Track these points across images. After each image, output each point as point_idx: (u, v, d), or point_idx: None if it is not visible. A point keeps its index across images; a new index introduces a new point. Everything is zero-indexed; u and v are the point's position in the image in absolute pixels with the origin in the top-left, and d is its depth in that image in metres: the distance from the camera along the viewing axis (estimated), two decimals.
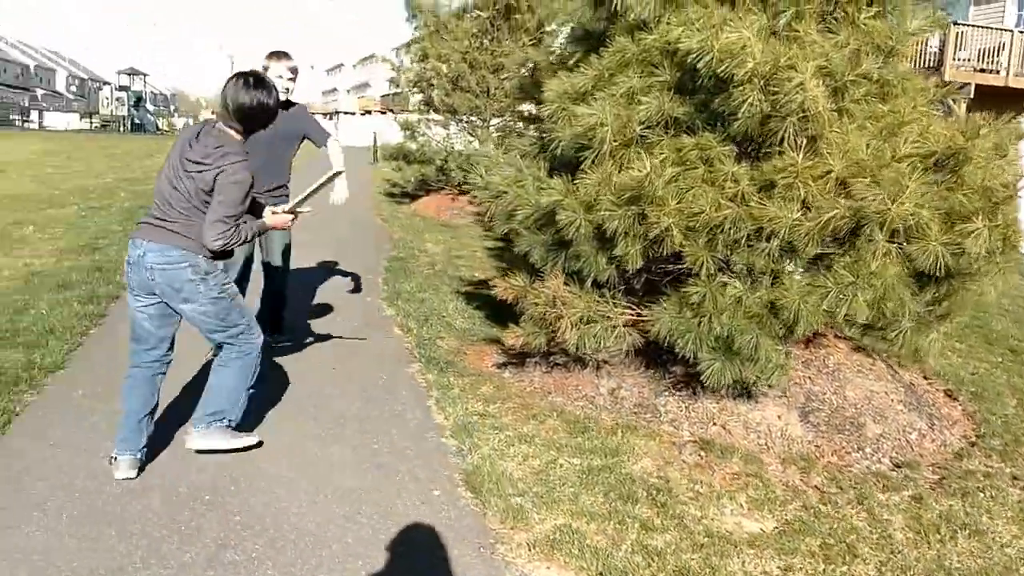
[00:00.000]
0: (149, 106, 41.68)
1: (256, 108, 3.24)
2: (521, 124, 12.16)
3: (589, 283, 4.49)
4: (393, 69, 13.13)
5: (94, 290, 6.43)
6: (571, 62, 5.42)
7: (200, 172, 3.16)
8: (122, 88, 42.53)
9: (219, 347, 3.54)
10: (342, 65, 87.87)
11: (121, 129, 42.42)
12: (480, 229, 11.28)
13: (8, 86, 64.96)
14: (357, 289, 7.07)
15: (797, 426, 4.39)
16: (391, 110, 52.22)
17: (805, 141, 4.02)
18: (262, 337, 3.56)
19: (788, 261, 4.24)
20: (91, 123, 44.93)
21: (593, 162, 4.40)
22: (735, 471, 3.85)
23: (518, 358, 5.32)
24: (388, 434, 3.97)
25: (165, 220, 3.22)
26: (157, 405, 3.48)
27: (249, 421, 3.79)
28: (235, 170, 3.15)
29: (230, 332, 3.41)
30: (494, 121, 12.37)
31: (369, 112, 57.39)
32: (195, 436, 3.52)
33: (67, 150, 23.75)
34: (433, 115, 12.85)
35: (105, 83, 74.68)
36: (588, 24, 5.27)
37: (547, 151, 5.15)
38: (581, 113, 4.33)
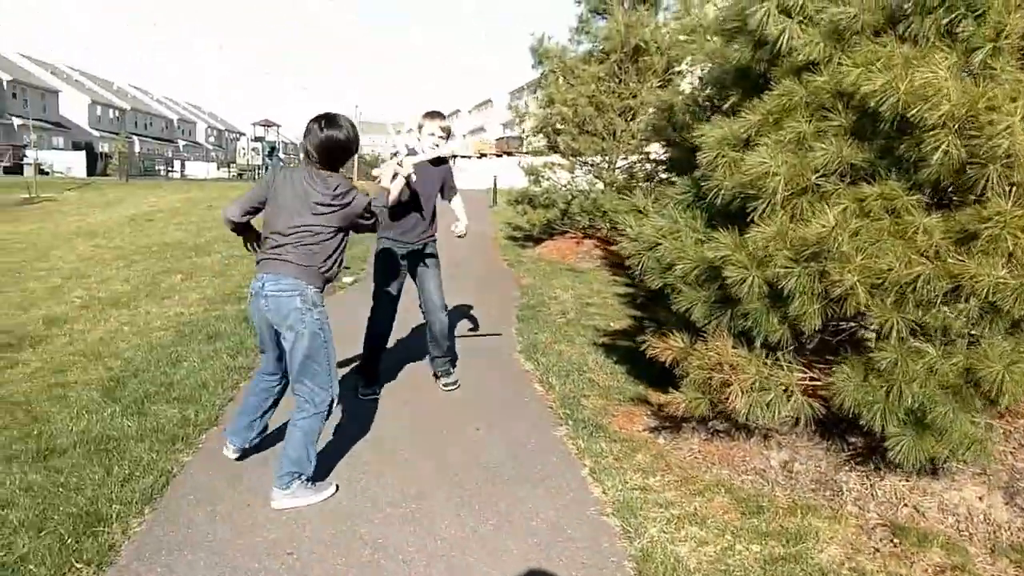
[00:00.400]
0: (281, 155, 43.79)
1: (333, 144, 3.61)
2: (649, 166, 11.90)
3: (758, 344, 4.15)
4: (516, 115, 13.15)
5: (242, 341, 6.56)
6: (726, 106, 5.13)
7: (333, 212, 3.59)
8: (257, 139, 44.94)
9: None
10: (459, 111, 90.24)
11: (256, 177, 44.81)
12: (608, 273, 11.02)
13: (154, 138, 70.14)
14: (491, 336, 6.93)
15: (1002, 509, 3.86)
16: (508, 153, 53.08)
17: (1011, 188, 3.58)
18: (336, 393, 3.76)
19: (989, 323, 3.77)
20: (229, 172, 47.66)
21: (762, 213, 4.10)
22: (937, 562, 3.39)
23: (671, 422, 4.99)
24: (544, 508, 3.72)
25: (281, 253, 3.58)
26: (272, 411, 4.08)
27: (391, 482, 3.65)
28: (359, 201, 3.68)
29: (311, 372, 3.63)
30: (620, 163, 12.14)
31: (484, 155, 58.47)
32: (278, 495, 3.64)
33: (209, 198, 25.13)
34: (556, 158, 12.77)
35: (240, 133, 79.44)
36: (744, 65, 4.97)
37: (702, 200, 4.87)
38: (750, 161, 4.03)
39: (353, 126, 3.74)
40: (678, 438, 4.78)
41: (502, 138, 64.35)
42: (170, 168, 48.91)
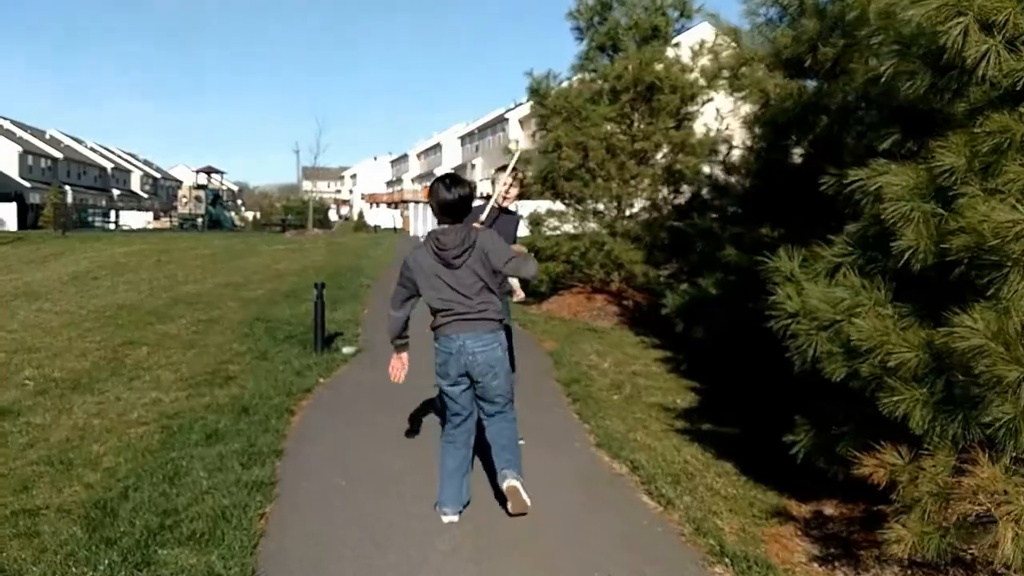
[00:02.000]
0: (226, 202, 42.00)
1: (458, 201, 3.82)
2: (666, 211, 11.01)
3: (1007, 460, 3.11)
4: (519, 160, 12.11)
5: (251, 441, 5.28)
6: (883, 147, 4.16)
7: (471, 257, 3.80)
8: (200, 187, 43.12)
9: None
10: (406, 156, 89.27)
11: (199, 227, 42.82)
12: (631, 333, 9.98)
13: (88, 188, 67.22)
14: (551, 422, 5.79)
15: None
16: (518, 197, 52.11)
17: None
18: None
19: None
20: (170, 221, 45.55)
21: (992, 282, 3.12)
22: None
23: (837, 545, 3.92)
24: None
25: (466, 312, 3.85)
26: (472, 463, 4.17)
27: None
28: (486, 235, 3.91)
29: (509, 394, 4.09)
30: (631, 210, 11.21)
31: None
32: (515, 481, 3.98)
33: (154, 251, 23.46)
34: (559, 205, 11.79)
35: (178, 181, 76.85)
36: (917, 95, 4.02)
37: (873, 264, 3.87)
38: (994, 216, 3.05)
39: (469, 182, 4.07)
40: (857, 570, 3.70)
41: None
42: (106, 219, 46.54)
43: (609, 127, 10.85)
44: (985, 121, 3.46)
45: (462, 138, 71.93)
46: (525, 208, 12.04)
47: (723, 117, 12.36)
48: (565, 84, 11.46)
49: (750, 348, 7.76)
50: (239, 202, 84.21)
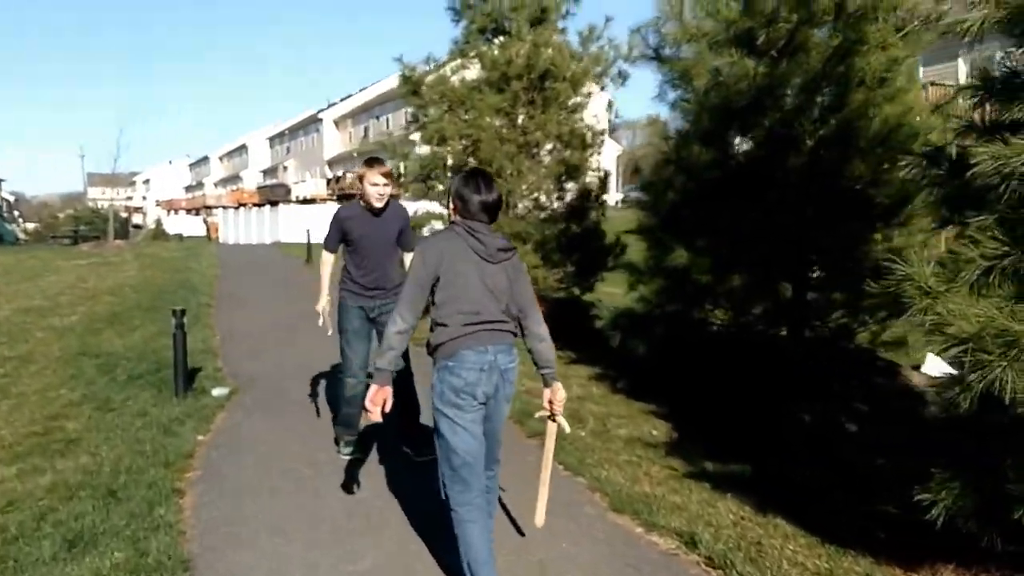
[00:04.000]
0: (3, 213, 36.59)
1: (498, 201, 3.26)
2: (557, 205, 10.08)
3: None
4: (395, 155, 10.64)
5: (138, 547, 3.67)
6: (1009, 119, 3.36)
7: (508, 262, 3.22)
8: None
9: None
10: (207, 159, 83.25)
11: None
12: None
13: None
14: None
15: None
16: (273, 202, 48.94)
17: None
18: None
19: None
20: None
21: None
22: None
23: None
24: None
25: (495, 320, 3.15)
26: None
27: None
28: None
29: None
30: (518, 208, 10.14)
31: (243, 205, 53.62)
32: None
33: None
34: (437, 207, 10.55)
35: None
36: None
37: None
38: None
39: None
40: None
41: (264, 186, 59.68)
42: None
43: (499, 119, 9.73)
44: None
45: (271, 139, 68.00)
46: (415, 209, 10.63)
47: (613, 106, 11.66)
48: (443, 72, 10.18)
49: (700, 363, 6.96)
50: (16, 213, 74.35)
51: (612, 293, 11.79)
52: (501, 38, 10.20)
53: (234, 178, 71.82)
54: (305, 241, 21.85)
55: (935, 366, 7.43)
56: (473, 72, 10.34)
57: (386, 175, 4.68)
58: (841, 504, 4.32)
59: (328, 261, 5.07)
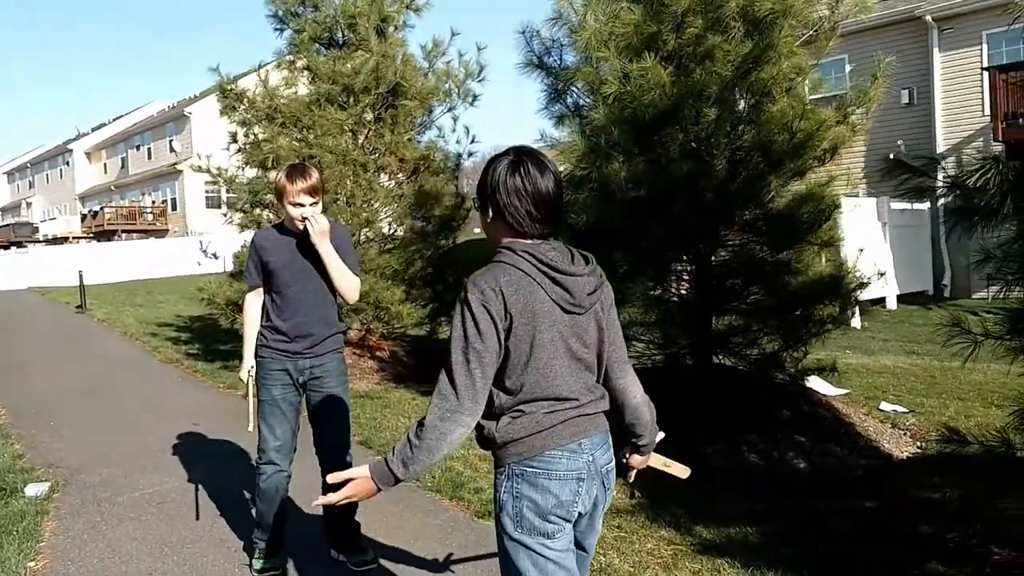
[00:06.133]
0: None
1: (561, 194, 2.15)
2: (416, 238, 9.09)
3: None
4: (215, 178, 9.00)
5: None
6: None
7: (599, 301, 2.16)
8: None
9: None
10: None
11: None
12: (411, 392, 7.89)
13: None
14: None
15: None
16: (18, 243, 42.73)
17: None
18: None
19: None
20: None
21: None
22: None
23: None
24: None
25: (588, 401, 2.16)
26: None
27: None
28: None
29: None
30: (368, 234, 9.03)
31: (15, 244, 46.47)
32: None
33: None
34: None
35: None
36: None
37: None
38: None
39: None
40: None
41: (4, 226, 52.06)
42: None
43: (345, 139, 8.58)
44: None
45: (10, 173, 59.95)
46: (235, 244, 9.09)
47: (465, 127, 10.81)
48: (271, 85, 8.84)
49: None
50: None
51: None
52: (335, 50, 9.11)
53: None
54: (70, 283, 18.92)
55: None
56: (303, 87, 9.14)
57: (312, 191, 3.53)
58: None
59: (251, 304, 3.81)
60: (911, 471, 5.49)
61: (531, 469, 2.07)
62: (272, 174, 8.66)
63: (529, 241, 2.09)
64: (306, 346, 3.65)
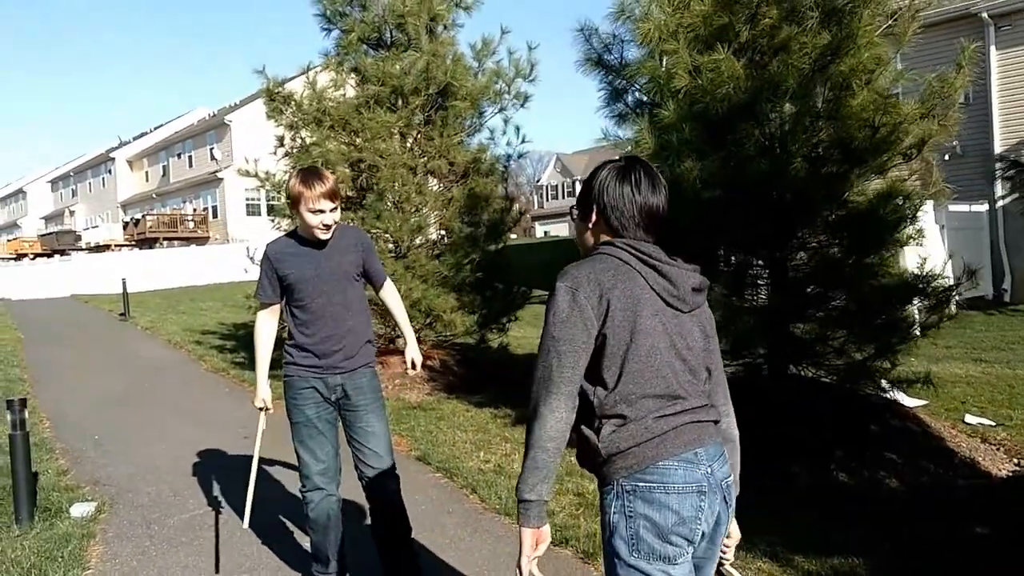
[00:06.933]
0: None
1: (666, 205, 2.07)
2: (466, 243, 8.83)
3: None
4: (262, 182, 8.84)
5: None
6: None
7: (702, 306, 2.09)
8: None
9: None
10: None
11: None
12: (461, 403, 7.62)
13: None
14: None
15: None
16: (61, 251, 43.40)
17: None
18: None
19: None
20: None
21: None
22: None
23: None
24: None
25: (699, 407, 1.97)
26: None
27: None
28: None
29: None
30: (418, 242, 8.81)
31: (24, 255, 47.41)
32: None
33: None
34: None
35: None
36: None
37: None
38: None
39: None
40: None
41: (48, 234, 52.95)
42: None
43: (394, 142, 8.36)
44: None
45: (54, 182, 61.03)
46: None
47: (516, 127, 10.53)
48: (320, 88, 8.67)
49: None
50: None
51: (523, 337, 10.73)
52: (383, 51, 8.91)
53: (11, 226, 63.68)
54: (112, 291, 19.01)
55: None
56: (351, 90, 8.95)
57: (332, 195, 3.30)
58: None
59: (264, 324, 3.57)
60: (1018, 490, 5.08)
61: (644, 483, 1.87)
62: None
63: (634, 242, 2.01)
64: (337, 361, 3.40)
